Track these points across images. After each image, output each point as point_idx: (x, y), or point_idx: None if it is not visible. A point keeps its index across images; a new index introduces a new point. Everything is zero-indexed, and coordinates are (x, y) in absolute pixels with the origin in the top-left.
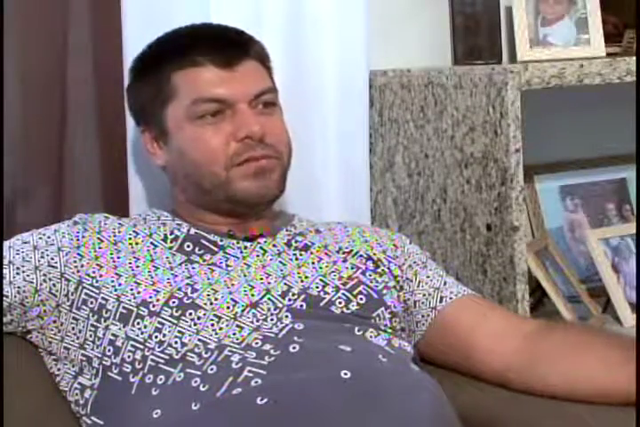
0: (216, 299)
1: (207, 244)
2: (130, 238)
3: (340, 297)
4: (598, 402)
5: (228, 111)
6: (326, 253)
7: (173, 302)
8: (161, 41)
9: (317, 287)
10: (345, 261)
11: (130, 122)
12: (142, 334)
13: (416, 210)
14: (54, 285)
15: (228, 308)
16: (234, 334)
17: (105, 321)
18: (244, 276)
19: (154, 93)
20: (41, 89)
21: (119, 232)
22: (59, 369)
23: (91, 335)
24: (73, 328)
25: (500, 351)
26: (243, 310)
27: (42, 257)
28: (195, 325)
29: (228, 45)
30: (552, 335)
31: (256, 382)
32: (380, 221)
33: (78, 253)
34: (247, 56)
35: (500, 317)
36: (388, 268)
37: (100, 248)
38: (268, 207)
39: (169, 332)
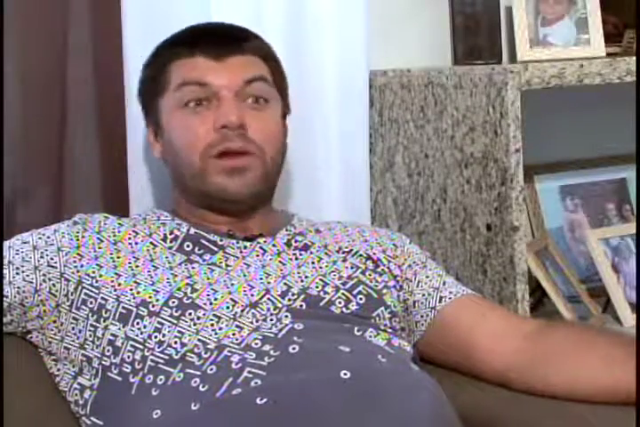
0: (216, 299)
1: (207, 244)
2: (129, 238)
3: (339, 297)
4: (600, 401)
5: (214, 101)
6: (326, 253)
7: (173, 302)
8: (169, 37)
9: (317, 287)
10: (345, 260)
11: (130, 122)
12: (142, 334)
13: (416, 210)
14: (54, 285)
15: (228, 308)
16: (233, 334)
17: (104, 321)
18: (244, 276)
19: (152, 84)
20: (41, 89)
21: (119, 232)
22: (58, 369)
23: (90, 335)
24: (73, 328)
25: (501, 351)
26: (242, 310)
27: (41, 257)
28: (194, 325)
29: (225, 40)
30: (553, 335)
31: (256, 382)
32: (380, 221)
33: (78, 254)
34: (243, 51)
35: (499, 316)
36: (388, 267)
37: (99, 248)
38: (257, 204)
39: (168, 332)
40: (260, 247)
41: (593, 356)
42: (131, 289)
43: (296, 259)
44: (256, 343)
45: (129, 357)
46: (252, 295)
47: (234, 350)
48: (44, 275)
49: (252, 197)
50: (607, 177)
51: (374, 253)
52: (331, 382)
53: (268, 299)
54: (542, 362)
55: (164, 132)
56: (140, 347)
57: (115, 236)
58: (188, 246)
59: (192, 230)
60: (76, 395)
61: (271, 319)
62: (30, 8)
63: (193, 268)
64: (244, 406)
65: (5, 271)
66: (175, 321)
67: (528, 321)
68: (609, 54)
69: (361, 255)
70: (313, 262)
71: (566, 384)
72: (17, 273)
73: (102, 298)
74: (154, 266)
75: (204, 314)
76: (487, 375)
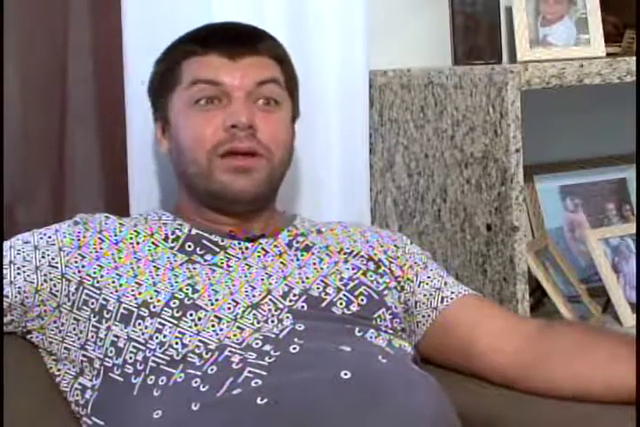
0: (217, 300)
1: (208, 244)
2: (131, 238)
3: (340, 298)
4: (605, 401)
5: (224, 100)
6: (327, 254)
7: (174, 303)
8: (184, 34)
9: (318, 288)
10: (346, 261)
11: (130, 122)
12: (143, 335)
13: (416, 210)
14: (55, 285)
15: (229, 309)
16: (234, 335)
17: (106, 322)
18: (245, 276)
19: (163, 81)
20: (41, 89)
21: (120, 232)
22: (59, 369)
23: (92, 336)
24: (74, 329)
25: (501, 350)
26: (243, 311)
27: (43, 257)
28: (195, 326)
29: (240, 40)
30: (555, 334)
31: (256, 382)
32: (380, 221)
33: (79, 254)
34: (257, 51)
35: (500, 316)
36: (389, 268)
37: (101, 248)
38: (260, 206)
39: (169, 333)
40: (262, 248)
41: (598, 355)
42: (132, 290)
43: (297, 260)
44: (257, 344)
45: (131, 358)
46: (254, 296)
47: (234, 350)
48: (44, 275)
49: (256, 198)
50: (607, 177)
51: (375, 254)
52: (331, 382)
53: (270, 300)
54: (545, 362)
55: (171, 129)
56: (142, 348)
57: (116, 236)
58: (189, 247)
59: (193, 231)
60: (77, 395)
61: (272, 320)
62: (30, 8)
63: (194, 268)
64: (244, 406)
65: (6, 271)
66: (176, 322)
67: (528, 321)
68: (609, 54)
69: (362, 256)
70: (314, 263)
71: (571, 384)
72: (18, 273)
73: (104, 299)
74: (155, 266)
75: (205, 315)
76: (488, 375)
